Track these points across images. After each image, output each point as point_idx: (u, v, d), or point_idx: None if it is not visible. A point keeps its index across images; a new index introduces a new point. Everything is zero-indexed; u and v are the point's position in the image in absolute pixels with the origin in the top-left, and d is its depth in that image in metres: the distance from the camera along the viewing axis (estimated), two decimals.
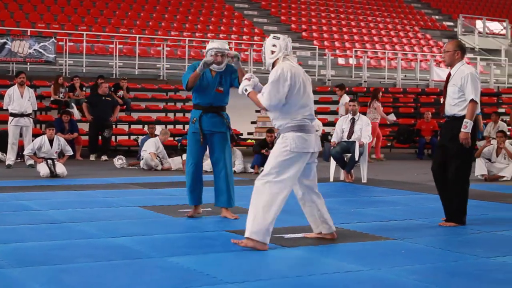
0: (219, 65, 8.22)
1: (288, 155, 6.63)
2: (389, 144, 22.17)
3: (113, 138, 20.27)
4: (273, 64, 6.81)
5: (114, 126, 19.40)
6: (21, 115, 15.44)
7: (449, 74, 8.15)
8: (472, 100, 7.82)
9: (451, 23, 36.87)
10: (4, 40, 20.84)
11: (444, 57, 8.26)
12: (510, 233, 7.63)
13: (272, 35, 7.01)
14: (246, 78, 6.93)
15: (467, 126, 7.78)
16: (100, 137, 18.30)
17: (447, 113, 8.07)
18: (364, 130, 13.35)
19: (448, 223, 8.00)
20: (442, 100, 8.24)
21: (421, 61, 29.42)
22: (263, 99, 6.67)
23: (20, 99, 15.44)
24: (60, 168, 13.59)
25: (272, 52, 6.83)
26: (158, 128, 17.44)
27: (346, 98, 18.89)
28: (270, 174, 6.66)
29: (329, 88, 25.35)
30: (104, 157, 17.74)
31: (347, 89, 20.51)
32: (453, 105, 7.99)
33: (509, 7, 41.86)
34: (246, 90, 6.85)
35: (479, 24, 36.15)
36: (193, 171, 8.45)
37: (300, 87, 6.66)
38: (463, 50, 8.19)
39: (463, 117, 7.85)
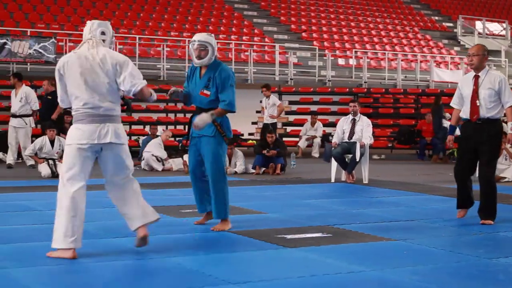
0: (200, 59, 7.62)
1: (67, 150, 6.26)
2: (390, 144, 22.18)
3: None
4: None
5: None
6: (13, 115, 15.47)
7: (477, 77, 8.21)
8: None
9: (451, 24, 36.90)
10: (4, 41, 20.84)
11: (472, 60, 8.22)
12: None
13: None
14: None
15: None
16: None
17: (482, 115, 8.10)
18: (365, 131, 13.35)
19: (487, 221, 8.11)
20: (477, 103, 8.14)
21: (421, 61, 29.45)
22: None
23: (14, 99, 15.48)
24: (45, 170, 13.62)
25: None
26: (159, 129, 17.46)
27: (275, 99, 18.85)
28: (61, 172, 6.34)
29: (329, 89, 25.37)
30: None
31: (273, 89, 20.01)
32: (489, 108, 8.08)
33: (508, 8, 41.88)
34: None
35: (478, 25, 36.20)
36: (191, 179, 7.89)
37: (70, 76, 6.18)
38: (488, 53, 8.39)
39: (497, 120, 8.16)
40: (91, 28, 6.35)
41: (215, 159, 7.60)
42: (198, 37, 7.72)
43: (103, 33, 6.39)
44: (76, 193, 6.16)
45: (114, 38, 6.62)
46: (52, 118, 16.18)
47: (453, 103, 8.55)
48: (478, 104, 8.12)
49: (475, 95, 8.15)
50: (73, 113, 6.24)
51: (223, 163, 7.71)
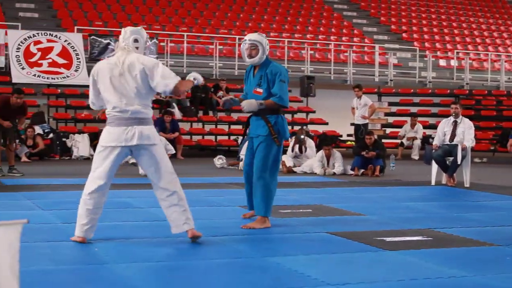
0: (251, 58, 7.74)
1: (98, 150, 6.66)
2: (492, 148, 21.73)
3: (212, 138, 20.52)
4: None
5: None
6: None
7: None
8: None
9: None
10: (108, 41, 21.37)
11: None
12: None
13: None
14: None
15: None
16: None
17: None
18: (467, 133, 13.13)
19: None
20: None
21: None
22: None
23: None
24: None
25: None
26: None
27: (367, 100, 18.60)
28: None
29: (430, 91, 25.04)
30: None
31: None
32: None
33: None
34: None
35: None
36: (244, 178, 8.08)
37: (102, 82, 6.57)
38: None
39: None
40: (124, 36, 6.68)
41: (262, 156, 7.68)
42: (249, 36, 7.87)
43: (136, 40, 6.70)
44: (94, 192, 6.65)
45: (148, 44, 7.13)
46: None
47: None
48: None
49: None
50: (106, 115, 6.63)
51: (270, 162, 7.74)
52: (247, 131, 8.09)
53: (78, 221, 6.57)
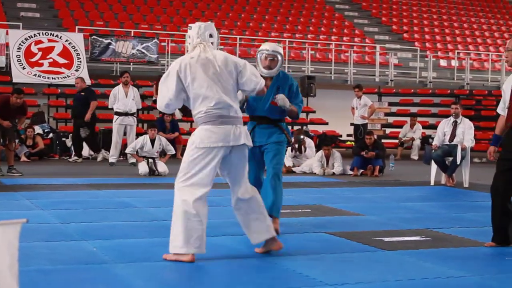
0: (269, 69, 7.44)
1: (195, 152, 5.91)
2: None
3: None
4: None
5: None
6: (126, 114, 15.79)
7: None
8: None
9: None
10: (109, 41, 21.37)
11: (507, 56, 6.89)
12: None
13: (188, 25, 6.45)
14: None
15: None
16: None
17: None
18: (466, 134, 13.13)
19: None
20: (508, 106, 6.89)
21: None
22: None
23: (125, 98, 15.78)
24: (162, 167, 13.84)
25: (189, 44, 6.31)
26: None
27: (367, 100, 18.61)
28: (178, 177, 6.01)
29: (430, 91, 25.04)
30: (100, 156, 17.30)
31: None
32: None
33: None
34: None
35: None
36: None
37: (195, 78, 5.94)
38: None
39: None
40: (199, 31, 6.21)
41: (279, 159, 7.50)
42: (268, 46, 7.56)
43: (211, 35, 6.27)
44: (198, 200, 5.86)
45: (219, 40, 6.53)
46: (86, 119, 16.48)
47: (498, 109, 7.22)
48: (509, 107, 6.90)
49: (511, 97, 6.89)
50: (199, 115, 5.96)
51: (282, 166, 7.63)
52: None
53: (179, 237, 5.80)
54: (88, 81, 20.04)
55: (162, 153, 14.66)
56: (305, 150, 16.11)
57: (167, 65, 22.57)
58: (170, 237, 5.89)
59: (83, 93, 16.84)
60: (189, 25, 6.40)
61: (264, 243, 6.20)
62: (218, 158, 5.91)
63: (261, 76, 7.27)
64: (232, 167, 6.08)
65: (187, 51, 6.30)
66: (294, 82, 7.65)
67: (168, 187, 11.56)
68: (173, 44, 23.83)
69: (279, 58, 7.50)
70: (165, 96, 6.03)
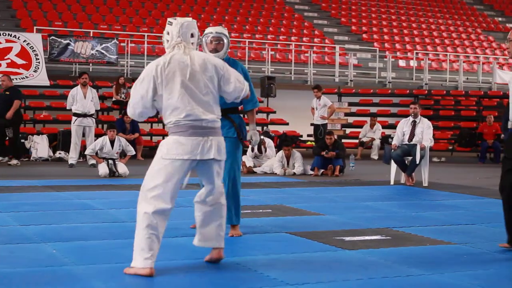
0: (216, 52, 7.13)
1: (161, 163, 5.59)
2: (450, 147, 21.96)
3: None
4: None
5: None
6: (84, 115, 15.67)
7: None
8: None
9: None
10: (68, 41, 21.21)
11: (509, 47, 6.55)
12: None
13: (167, 19, 5.87)
14: None
15: None
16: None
17: None
18: (425, 133, 13.24)
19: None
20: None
21: (483, 63, 29.04)
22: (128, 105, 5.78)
23: (83, 99, 15.66)
24: (122, 168, 13.77)
25: (167, 41, 5.76)
26: None
27: (326, 100, 18.71)
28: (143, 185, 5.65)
29: (389, 91, 25.22)
30: (14, 161, 16.19)
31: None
32: None
33: None
34: None
35: None
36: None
37: (168, 86, 5.54)
38: None
39: None
40: (181, 30, 5.70)
41: (236, 160, 7.29)
42: (214, 29, 7.32)
43: (192, 35, 5.77)
44: (158, 213, 5.51)
45: (200, 40, 6.15)
46: (7, 117, 15.95)
47: None
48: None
49: None
50: (169, 124, 5.60)
51: (240, 166, 7.46)
52: None
53: (139, 250, 5.49)
54: (47, 82, 19.90)
55: (122, 154, 14.57)
56: (265, 151, 16.13)
57: (127, 66, 22.48)
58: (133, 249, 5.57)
59: (8, 92, 16.32)
60: (169, 19, 5.85)
61: (211, 250, 5.96)
62: (184, 170, 5.57)
63: None
64: (203, 174, 5.77)
65: (165, 47, 5.79)
66: (243, 66, 7.45)
67: (128, 188, 11.55)
68: (133, 45, 23.72)
69: (225, 40, 7.28)
70: (139, 104, 5.63)
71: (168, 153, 5.53)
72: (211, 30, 7.32)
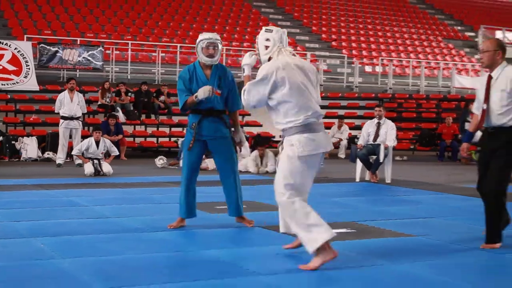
0: (212, 58, 7.30)
1: (297, 162, 5.61)
2: (412, 147, 22.11)
3: (154, 139, 20.45)
4: (269, 60, 5.89)
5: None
6: (71, 118, 15.60)
7: (490, 77, 6.56)
8: None
9: (473, 34, 36.55)
10: (56, 49, 21.09)
11: (482, 57, 6.61)
12: None
13: (264, 28, 6.08)
14: (249, 54, 6.19)
15: None
16: None
17: (493, 123, 6.51)
18: (389, 134, 13.31)
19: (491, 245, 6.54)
20: (484, 107, 6.54)
21: (443, 69, 29.19)
22: (243, 95, 5.80)
23: (70, 103, 15.60)
24: (106, 167, 13.74)
25: (266, 47, 5.92)
26: None
27: None
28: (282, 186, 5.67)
29: (356, 95, 25.29)
30: None
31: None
32: (499, 114, 6.44)
33: None
34: (244, 69, 6.11)
35: (499, 34, 35.75)
36: (187, 182, 7.53)
37: (292, 87, 5.64)
38: (504, 49, 6.61)
39: (509, 128, 6.43)
40: (282, 36, 5.93)
41: (234, 158, 7.53)
42: (209, 35, 7.38)
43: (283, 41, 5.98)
44: (303, 201, 5.64)
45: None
46: None
47: (474, 108, 6.84)
48: (486, 108, 6.54)
49: (486, 98, 6.53)
50: (295, 123, 5.65)
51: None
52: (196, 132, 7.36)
53: (314, 231, 5.50)
54: (37, 87, 19.79)
55: (107, 154, 14.54)
56: (240, 150, 16.10)
57: (111, 72, 22.40)
58: (303, 239, 5.58)
59: None
60: (267, 27, 6.07)
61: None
62: (317, 164, 5.75)
63: (204, 64, 7.33)
64: (315, 167, 5.82)
65: (262, 53, 5.97)
66: (230, 72, 7.59)
67: (112, 186, 11.54)
68: (117, 52, 23.62)
69: (220, 46, 7.39)
70: (255, 98, 5.71)
71: (305, 150, 5.58)
72: (206, 36, 7.38)
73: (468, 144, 6.93)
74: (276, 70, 5.65)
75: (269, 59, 5.88)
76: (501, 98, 6.42)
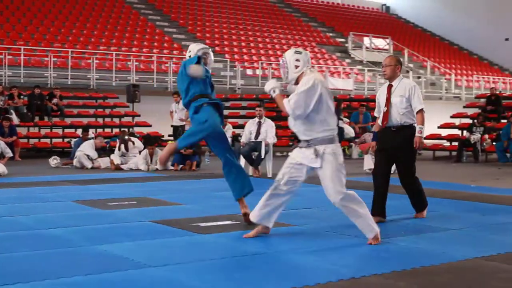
0: (206, 65, 7.88)
1: (342, 168, 6.25)
2: (291, 143, 22.41)
3: (48, 140, 19.93)
4: (297, 79, 6.23)
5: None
6: None
7: (390, 86, 7.61)
8: (421, 109, 7.48)
9: (343, 40, 37.50)
10: None
11: (385, 70, 7.63)
12: (399, 216, 7.79)
13: (293, 49, 6.40)
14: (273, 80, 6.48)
15: (422, 132, 7.49)
16: None
17: (395, 122, 7.54)
18: (269, 132, 13.46)
19: (421, 214, 7.88)
20: (384, 110, 7.58)
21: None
22: (289, 106, 6.09)
23: None
24: (1, 168, 13.27)
25: (296, 66, 6.22)
26: (90, 132, 17.23)
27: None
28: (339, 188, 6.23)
29: (239, 96, 25.44)
30: None
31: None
32: (401, 115, 7.50)
33: (391, 27, 42.88)
34: (274, 91, 6.30)
35: (366, 40, 36.84)
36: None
37: (326, 100, 6.14)
38: (401, 64, 7.73)
39: (410, 125, 7.53)
40: (308, 58, 6.33)
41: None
42: (201, 45, 8.15)
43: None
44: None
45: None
46: None
47: (375, 112, 7.86)
48: (389, 111, 7.55)
49: (387, 103, 7.56)
50: (327, 133, 6.18)
51: None
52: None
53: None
54: None
55: (1, 156, 14.06)
56: (131, 149, 15.92)
57: (4, 76, 21.68)
58: (364, 230, 6.25)
59: None
60: (297, 49, 6.40)
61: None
62: None
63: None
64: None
65: (287, 73, 6.28)
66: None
67: (7, 186, 11.16)
68: (10, 57, 22.84)
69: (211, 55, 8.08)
70: (302, 107, 6.07)
71: (342, 159, 6.22)
72: (200, 46, 8.01)
73: (376, 143, 7.83)
74: (320, 83, 6.11)
75: (298, 77, 6.23)
76: (400, 102, 7.51)
